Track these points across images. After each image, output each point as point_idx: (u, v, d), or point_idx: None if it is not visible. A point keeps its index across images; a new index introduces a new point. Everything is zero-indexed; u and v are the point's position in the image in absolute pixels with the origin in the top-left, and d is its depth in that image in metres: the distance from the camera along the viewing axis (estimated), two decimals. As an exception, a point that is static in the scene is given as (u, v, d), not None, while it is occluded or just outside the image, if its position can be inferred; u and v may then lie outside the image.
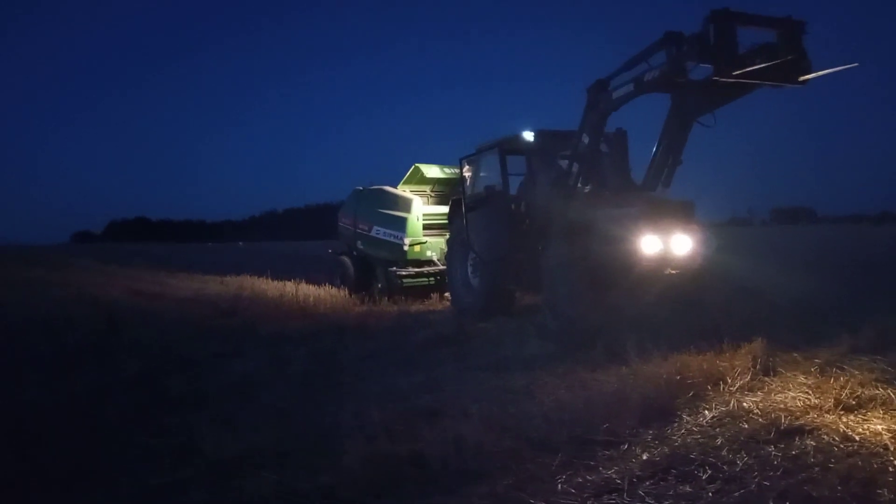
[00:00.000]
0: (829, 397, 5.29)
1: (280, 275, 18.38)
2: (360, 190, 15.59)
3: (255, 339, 9.58)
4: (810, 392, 5.50)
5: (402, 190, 14.89)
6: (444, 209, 13.26)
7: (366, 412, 5.46)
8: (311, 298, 13.90)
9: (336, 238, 17.22)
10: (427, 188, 15.27)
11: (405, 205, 14.11)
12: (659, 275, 8.09)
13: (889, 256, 21.55)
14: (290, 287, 15.73)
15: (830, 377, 5.87)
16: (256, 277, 18.63)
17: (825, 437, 4.51)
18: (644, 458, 4.32)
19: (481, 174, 11.58)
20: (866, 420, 4.81)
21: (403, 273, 14.04)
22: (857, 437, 4.46)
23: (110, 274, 23.83)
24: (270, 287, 16.58)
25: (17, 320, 11.04)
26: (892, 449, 4.24)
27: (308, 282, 16.81)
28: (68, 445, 5.14)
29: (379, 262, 14.71)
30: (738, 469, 4.04)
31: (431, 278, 14.19)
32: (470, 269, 11.55)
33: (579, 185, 9.37)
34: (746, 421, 4.90)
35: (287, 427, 5.37)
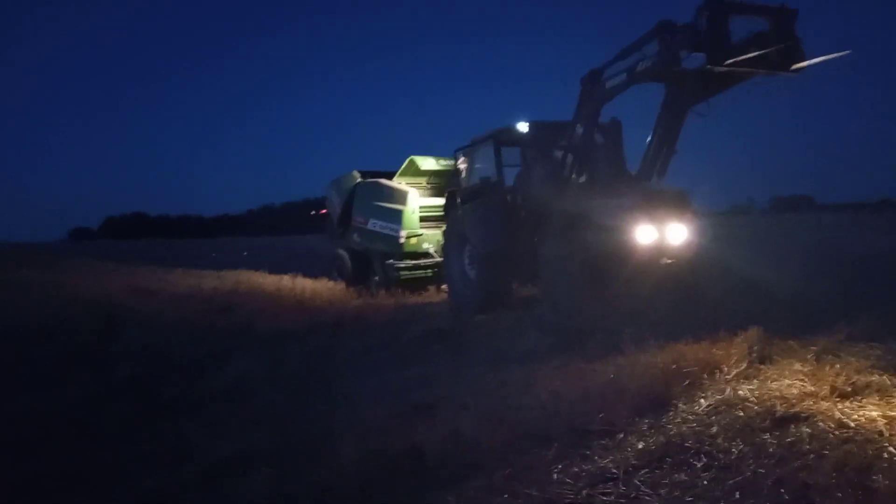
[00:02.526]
0: (824, 384, 5.27)
1: (277, 269, 18.36)
2: (358, 182, 15.53)
3: (251, 336, 9.58)
4: (806, 379, 5.48)
5: (398, 182, 14.87)
6: (440, 201, 13.26)
7: (362, 408, 5.48)
8: (308, 292, 13.89)
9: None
10: (423, 180, 15.25)
11: (401, 197, 14.11)
12: (655, 265, 8.09)
13: (889, 245, 21.51)
14: (286, 281, 15.72)
15: (826, 364, 5.86)
16: (253, 272, 18.60)
17: (820, 424, 4.49)
18: (639, 447, 4.32)
19: (476, 166, 11.56)
20: (862, 407, 4.80)
21: (400, 266, 14.04)
22: (852, 424, 4.44)
23: (106, 272, 23.77)
24: (267, 281, 16.58)
25: (12, 324, 11.02)
26: (887, 435, 4.23)
27: (305, 275, 16.82)
28: (61, 451, 5.15)
29: (376, 255, 14.71)
30: (733, 457, 4.05)
31: (428, 271, 14.19)
32: (467, 262, 11.53)
33: (574, 175, 9.35)
34: (742, 409, 4.89)
35: (283, 425, 5.40)
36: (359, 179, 15.57)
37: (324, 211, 17.10)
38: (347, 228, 15.57)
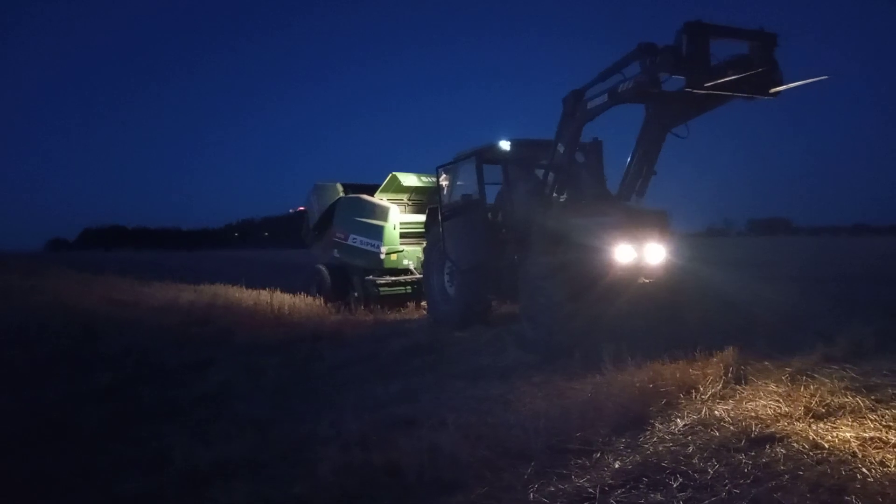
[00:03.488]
0: (799, 405, 5.35)
1: (255, 283, 18.26)
2: (340, 197, 15.52)
3: (229, 347, 9.49)
4: (781, 400, 5.56)
5: (379, 198, 14.85)
6: (421, 218, 13.26)
7: (341, 422, 5.44)
8: (286, 307, 13.80)
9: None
10: (404, 196, 15.25)
11: (382, 213, 14.08)
12: (633, 284, 8.14)
13: (865, 268, 21.86)
14: (264, 295, 15.62)
15: (801, 385, 5.95)
16: (230, 286, 18.47)
17: (795, 444, 4.55)
18: (616, 466, 4.34)
19: (458, 183, 11.57)
20: (835, 428, 4.87)
21: (380, 281, 14.00)
22: (826, 445, 4.51)
23: (84, 282, 23.49)
24: (245, 296, 16.45)
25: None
26: (860, 457, 4.29)
27: (283, 290, 16.73)
28: (39, 455, 5.06)
29: (355, 271, 14.67)
30: (708, 477, 4.07)
31: (408, 287, 14.16)
32: (447, 278, 11.54)
33: (555, 194, 9.40)
34: (717, 429, 4.94)
35: (261, 436, 5.33)
36: (341, 193, 15.55)
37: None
38: (323, 235, 15.58)
